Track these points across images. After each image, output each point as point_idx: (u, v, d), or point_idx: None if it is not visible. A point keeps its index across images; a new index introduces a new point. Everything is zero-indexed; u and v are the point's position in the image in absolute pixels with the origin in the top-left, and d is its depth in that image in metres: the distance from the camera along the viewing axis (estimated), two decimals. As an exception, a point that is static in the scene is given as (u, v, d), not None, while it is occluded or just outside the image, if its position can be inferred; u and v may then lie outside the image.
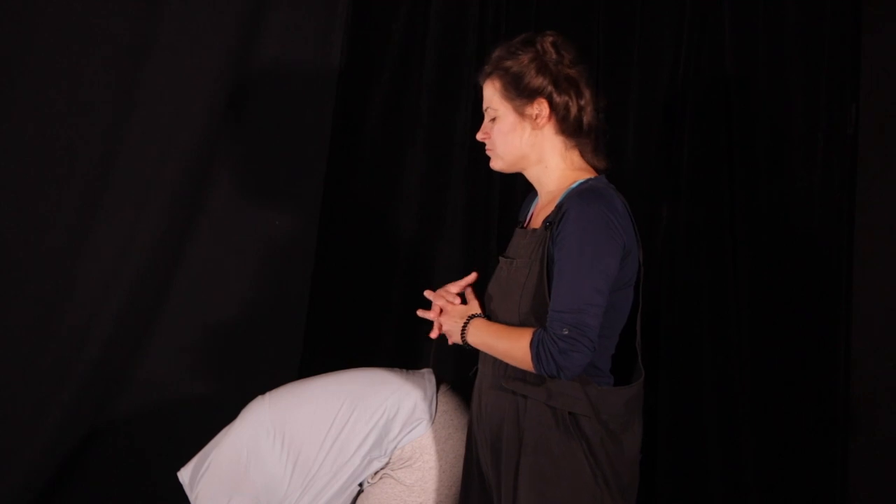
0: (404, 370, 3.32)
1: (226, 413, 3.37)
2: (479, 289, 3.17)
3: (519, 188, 4.20)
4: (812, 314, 4.16)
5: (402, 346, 4.20)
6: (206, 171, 4.12)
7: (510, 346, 2.95)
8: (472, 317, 3.06)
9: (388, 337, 4.19)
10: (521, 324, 2.98)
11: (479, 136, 3.12)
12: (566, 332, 2.85)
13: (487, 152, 3.11)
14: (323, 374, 3.33)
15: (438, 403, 3.18)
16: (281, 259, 4.20)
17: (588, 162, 3.09)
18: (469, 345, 3.04)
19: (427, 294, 3.16)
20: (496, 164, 3.10)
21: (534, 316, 2.96)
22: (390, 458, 3.15)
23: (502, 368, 3.04)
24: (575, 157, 3.08)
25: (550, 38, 3.04)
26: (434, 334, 3.11)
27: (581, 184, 3.02)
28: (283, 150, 4.19)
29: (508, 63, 3.04)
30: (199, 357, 4.16)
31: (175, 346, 4.14)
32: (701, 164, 4.21)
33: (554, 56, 3.03)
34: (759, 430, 4.16)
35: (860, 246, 4.15)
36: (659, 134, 4.24)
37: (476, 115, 4.23)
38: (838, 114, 4.18)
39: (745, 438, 4.15)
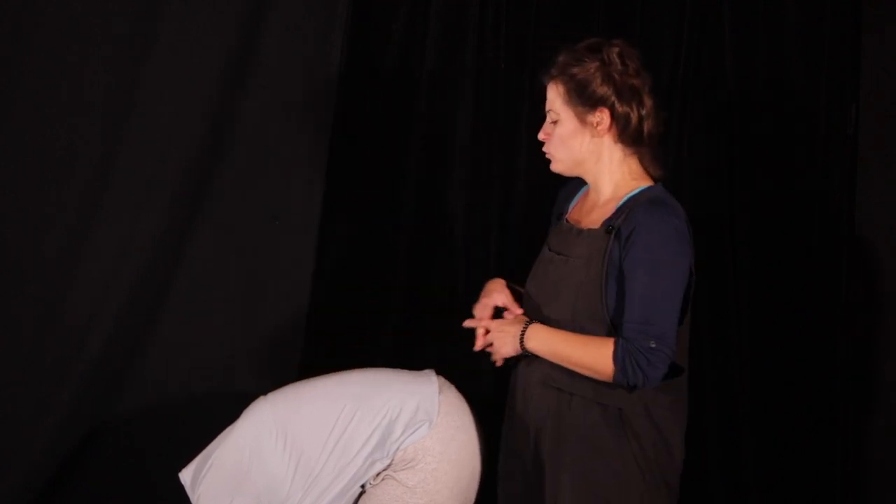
0: (407, 371, 3.32)
1: (226, 413, 3.37)
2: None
3: (519, 189, 4.21)
4: (812, 314, 4.16)
5: (402, 346, 4.19)
6: (206, 171, 4.11)
7: (585, 354, 2.99)
8: (529, 322, 3.08)
9: (388, 337, 4.18)
10: (574, 323, 3.01)
11: (541, 136, 3.16)
12: (653, 345, 2.93)
13: (547, 154, 3.15)
14: (325, 375, 3.33)
15: (441, 405, 3.17)
16: (281, 259, 4.20)
17: (645, 169, 3.13)
18: (529, 351, 3.07)
19: (469, 323, 3.18)
20: (557, 167, 3.15)
21: (587, 317, 3.00)
22: (393, 460, 3.14)
23: (549, 366, 3.07)
24: (633, 164, 3.13)
25: (617, 49, 3.09)
26: (478, 346, 3.14)
27: (643, 191, 3.07)
28: (283, 150, 4.19)
29: (574, 70, 3.08)
30: (199, 357, 4.15)
31: (175, 346, 4.14)
32: (701, 164, 4.21)
33: (619, 66, 3.08)
34: (759, 430, 4.16)
35: (860, 246, 4.15)
36: (658, 134, 4.24)
37: (476, 114, 4.24)
38: (838, 114, 4.18)
39: (745, 438, 4.15)
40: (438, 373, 3.34)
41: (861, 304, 4.15)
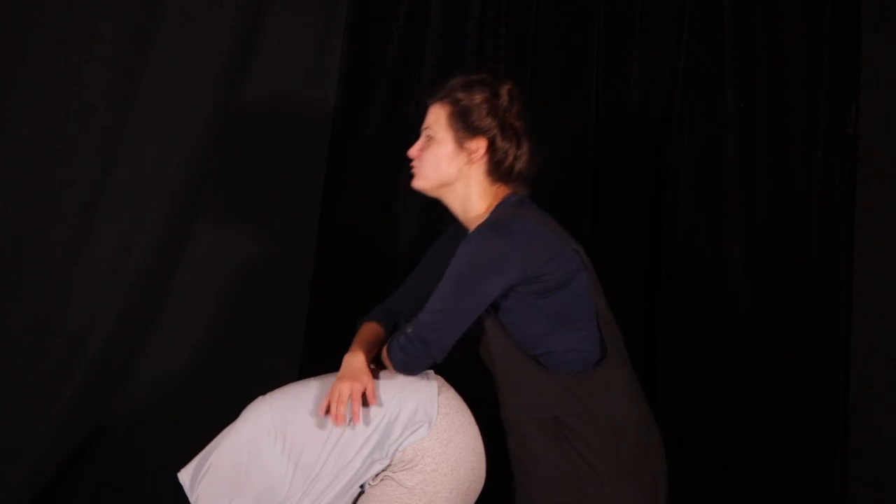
0: (406, 372, 3.32)
1: (226, 413, 3.36)
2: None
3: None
4: (812, 314, 4.16)
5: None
6: (206, 171, 4.11)
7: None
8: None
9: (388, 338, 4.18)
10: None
11: (411, 153, 3.21)
12: (409, 331, 3.10)
13: (413, 170, 3.20)
14: (324, 375, 3.32)
15: (440, 406, 3.17)
16: (281, 259, 4.20)
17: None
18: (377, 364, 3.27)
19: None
20: (419, 183, 3.21)
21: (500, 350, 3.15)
22: (392, 461, 3.14)
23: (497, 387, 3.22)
24: (498, 193, 3.18)
25: (508, 87, 3.16)
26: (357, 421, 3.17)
27: (492, 212, 3.14)
28: (283, 151, 4.19)
29: (461, 95, 3.14)
30: (199, 357, 4.15)
31: (175, 346, 4.14)
32: (701, 164, 4.21)
33: (506, 104, 3.14)
34: (759, 430, 4.16)
35: (860, 246, 4.16)
36: (659, 134, 4.24)
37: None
38: (838, 114, 4.19)
39: (745, 438, 4.16)
40: (437, 373, 3.34)
41: (861, 304, 4.15)
